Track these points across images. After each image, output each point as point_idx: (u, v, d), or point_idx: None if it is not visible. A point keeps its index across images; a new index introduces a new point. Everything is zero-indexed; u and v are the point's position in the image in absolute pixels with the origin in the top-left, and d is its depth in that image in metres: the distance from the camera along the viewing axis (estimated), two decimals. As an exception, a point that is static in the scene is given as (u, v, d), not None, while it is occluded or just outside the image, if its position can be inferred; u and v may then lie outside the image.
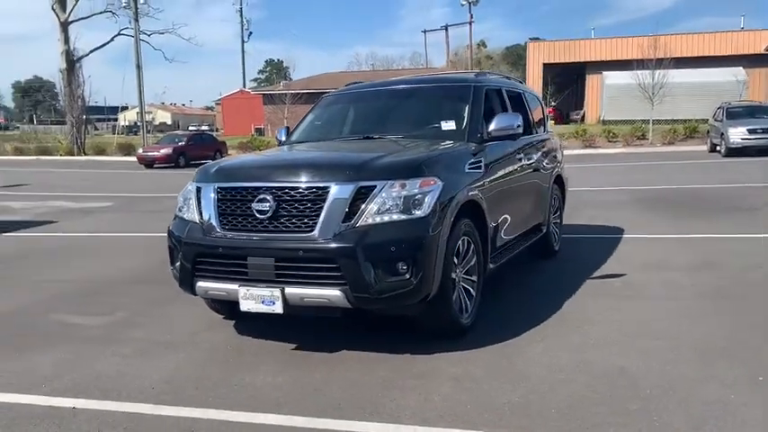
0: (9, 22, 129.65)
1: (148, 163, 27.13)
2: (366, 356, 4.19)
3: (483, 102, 5.43)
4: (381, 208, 3.92)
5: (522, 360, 4.04)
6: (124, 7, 37.88)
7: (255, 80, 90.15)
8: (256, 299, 4.04)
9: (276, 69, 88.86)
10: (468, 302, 4.54)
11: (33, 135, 46.91)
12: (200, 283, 4.30)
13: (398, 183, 3.97)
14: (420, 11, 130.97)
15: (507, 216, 5.39)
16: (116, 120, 75.05)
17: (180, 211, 4.63)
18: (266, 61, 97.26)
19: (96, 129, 69.28)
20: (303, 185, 4.07)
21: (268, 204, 4.08)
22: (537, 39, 47.07)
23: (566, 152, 8.58)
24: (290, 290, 3.97)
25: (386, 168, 4.09)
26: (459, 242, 4.33)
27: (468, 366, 3.96)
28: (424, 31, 64.11)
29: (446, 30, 60.82)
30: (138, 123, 79.77)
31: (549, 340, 4.39)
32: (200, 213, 4.38)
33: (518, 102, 6.35)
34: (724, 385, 3.53)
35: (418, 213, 3.94)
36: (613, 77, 39.28)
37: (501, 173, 5.28)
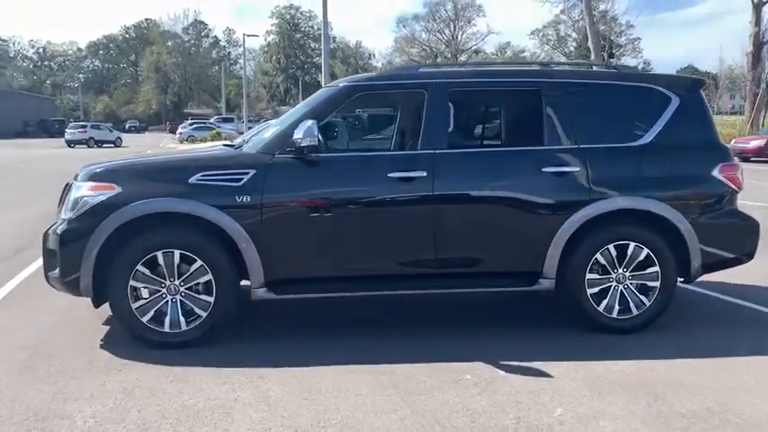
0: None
1: (742, 156, 23.05)
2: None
3: (334, 106, 4.80)
4: (67, 203, 4.59)
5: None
6: None
7: None
8: None
9: None
10: (179, 318, 4.40)
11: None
12: None
13: (78, 185, 4.58)
14: None
15: (334, 243, 4.54)
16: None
17: None
18: None
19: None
20: None
21: None
22: None
23: None
24: None
25: (83, 172, 4.68)
26: (160, 254, 4.34)
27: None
28: None
29: None
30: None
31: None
32: None
33: (485, 104, 5.88)
34: None
35: (71, 214, 4.47)
36: None
37: (324, 188, 4.54)
